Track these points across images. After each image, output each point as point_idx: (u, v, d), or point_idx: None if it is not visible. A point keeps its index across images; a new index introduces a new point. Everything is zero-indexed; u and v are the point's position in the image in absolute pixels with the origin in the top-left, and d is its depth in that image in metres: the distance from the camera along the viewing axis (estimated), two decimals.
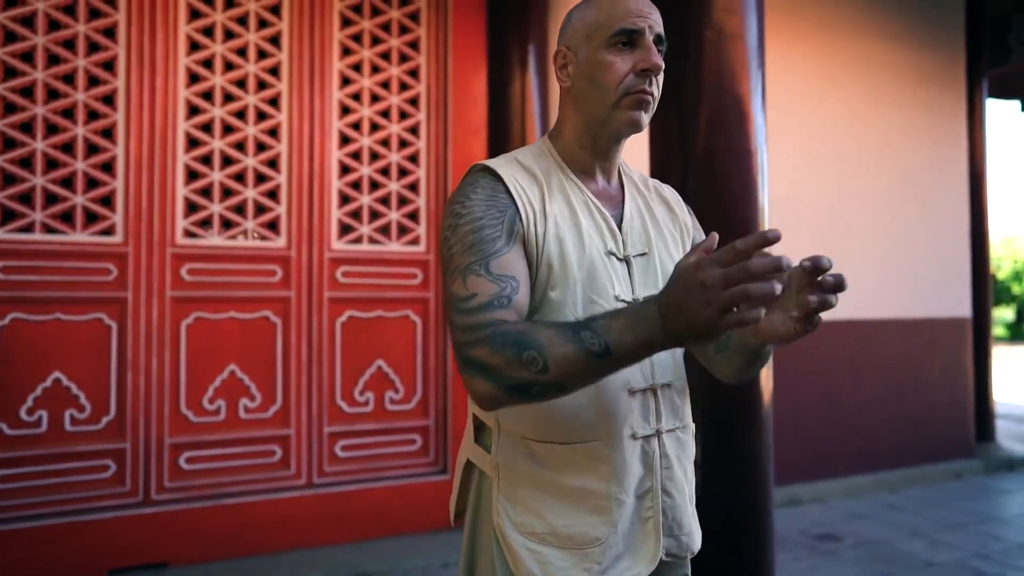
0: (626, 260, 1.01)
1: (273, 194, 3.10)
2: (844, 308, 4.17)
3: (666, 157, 2.07)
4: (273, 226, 3.10)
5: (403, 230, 3.34)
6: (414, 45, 3.37)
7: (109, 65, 2.83)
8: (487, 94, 3.44)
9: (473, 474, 1.05)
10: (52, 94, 2.74)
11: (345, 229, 3.24)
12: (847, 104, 4.33)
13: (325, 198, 3.16)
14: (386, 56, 3.31)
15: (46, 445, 2.69)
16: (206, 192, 2.98)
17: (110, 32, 2.83)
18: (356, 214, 3.25)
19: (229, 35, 3.03)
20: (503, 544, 0.96)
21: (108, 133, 2.82)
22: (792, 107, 4.08)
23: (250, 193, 3.04)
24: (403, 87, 3.34)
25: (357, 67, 3.25)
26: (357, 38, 3.25)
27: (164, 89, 2.89)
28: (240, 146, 3.04)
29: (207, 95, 2.98)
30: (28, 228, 2.70)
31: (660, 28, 0.99)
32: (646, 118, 0.99)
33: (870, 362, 4.32)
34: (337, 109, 3.20)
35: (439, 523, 3.16)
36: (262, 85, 3.08)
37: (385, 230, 3.30)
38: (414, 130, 3.36)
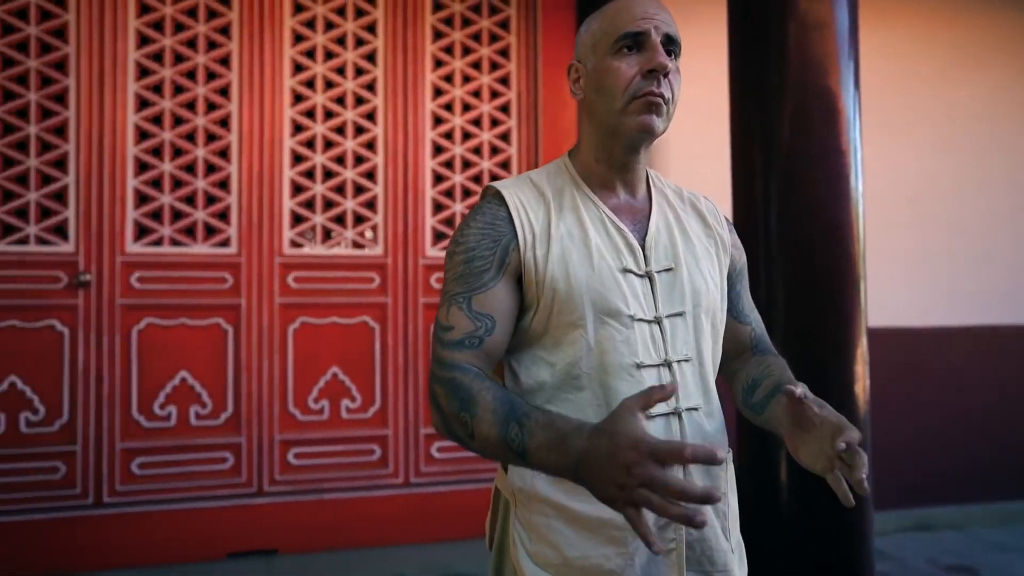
0: (648, 276, 0.97)
1: (371, 204, 3.24)
2: (978, 313, 3.74)
3: (747, 159, 1.95)
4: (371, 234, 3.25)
5: None
6: (504, 52, 3.40)
7: (224, 91, 3.08)
8: None
9: (500, 500, 1.05)
10: (178, 120, 3.03)
11: (439, 236, 3.33)
12: (982, 86, 3.87)
13: (419, 207, 3.26)
14: (477, 65, 3.36)
15: (175, 437, 2.98)
16: (309, 204, 3.17)
17: (224, 61, 3.08)
18: (449, 221, 3.33)
19: (329, 55, 3.20)
20: (510, 572, 0.95)
21: (224, 153, 3.08)
22: (921, 96, 3.70)
23: (349, 204, 3.20)
24: (494, 95, 3.38)
25: (449, 78, 3.33)
26: (448, 50, 3.33)
27: (271, 110, 3.10)
28: (340, 160, 3.20)
29: (310, 113, 3.18)
30: (158, 242, 3.01)
31: (670, 28, 0.94)
32: (659, 121, 0.94)
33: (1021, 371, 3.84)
34: (430, 120, 3.29)
35: None
36: (360, 100, 3.23)
37: None
38: (505, 136, 3.39)
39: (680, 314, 0.97)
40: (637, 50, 0.93)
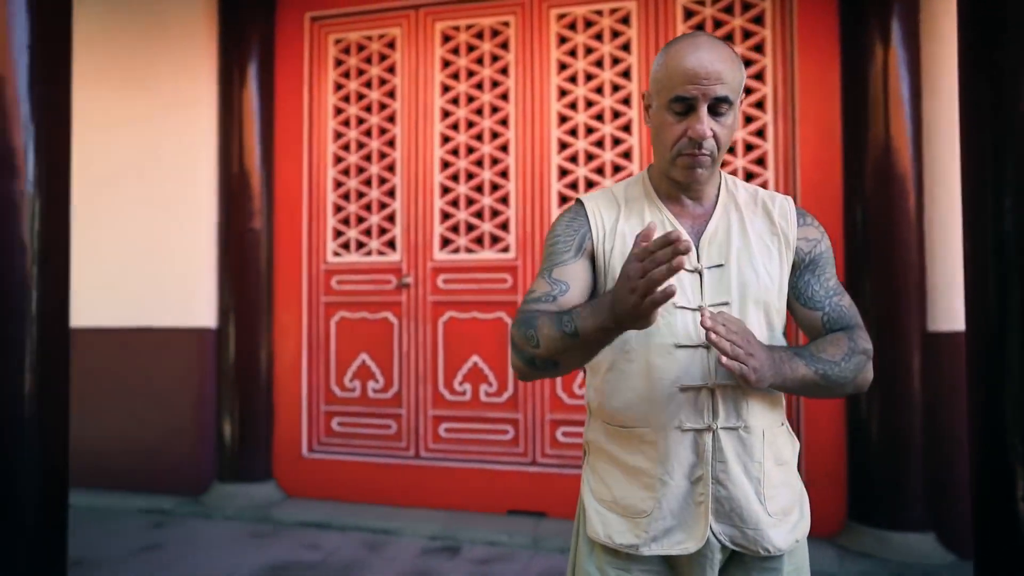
0: (698, 272, 1.13)
1: None
2: None
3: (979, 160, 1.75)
4: None
5: None
6: (759, 48, 3.36)
7: (504, 122, 3.66)
8: (840, 86, 3.21)
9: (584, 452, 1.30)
10: (470, 150, 3.71)
11: None
12: None
13: None
14: None
15: (470, 409, 3.66)
16: None
17: (504, 96, 3.66)
18: None
19: (588, 78, 3.56)
20: (582, 507, 1.19)
21: (504, 174, 3.67)
22: None
23: None
24: (747, 92, 3.37)
25: None
26: None
27: (540, 131, 3.59)
28: (600, 171, 3.55)
29: (573, 132, 3.58)
30: (456, 250, 3.72)
31: (721, 91, 1.07)
32: (702, 171, 1.12)
33: None
34: None
35: None
36: (617, 115, 3.53)
37: None
38: (760, 133, 3.36)
39: (725, 303, 1.12)
40: (685, 114, 1.09)
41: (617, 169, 3.53)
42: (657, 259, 0.88)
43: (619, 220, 1.19)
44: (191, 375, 3.90)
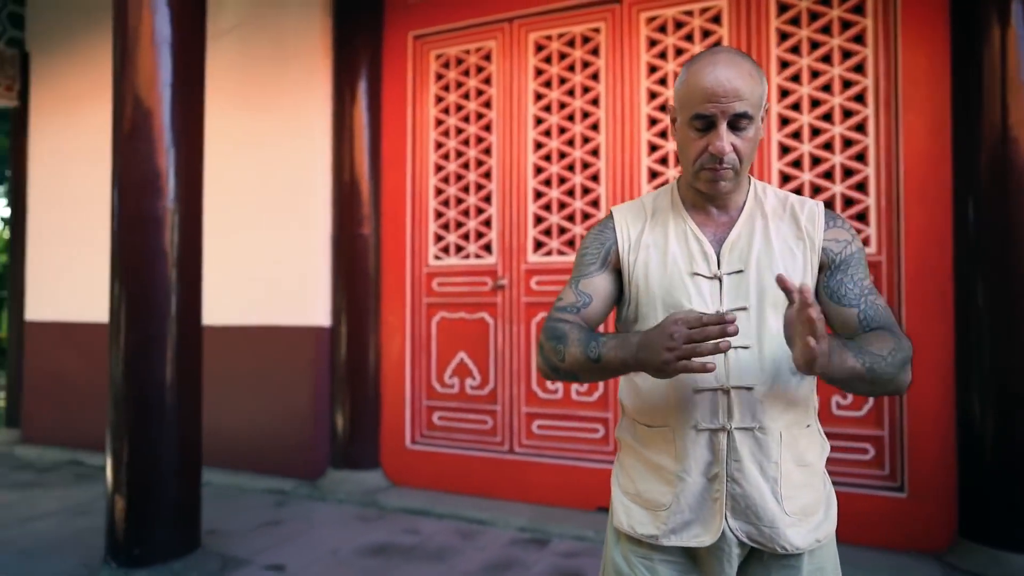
0: (717, 278, 1.17)
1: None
2: None
3: None
4: None
5: None
6: (859, 39, 3.21)
7: (595, 127, 3.73)
8: (950, 71, 3.01)
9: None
10: (561, 156, 3.81)
11: None
12: None
13: None
14: (827, 59, 3.27)
15: (561, 407, 3.76)
16: None
17: (595, 101, 3.73)
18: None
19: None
20: (612, 498, 1.26)
21: (595, 178, 3.74)
22: None
23: None
24: (846, 84, 3.24)
25: (796, 77, 3.32)
26: (795, 49, 3.32)
27: (631, 135, 3.62)
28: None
29: (663, 135, 3.59)
30: (548, 253, 3.83)
31: (740, 107, 1.11)
32: (725, 184, 1.17)
33: None
34: (776, 117, 3.35)
35: (885, 540, 3.00)
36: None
37: None
38: (860, 127, 3.22)
39: (743, 308, 1.16)
40: (706, 130, 1.14)
41: None
42: (707, 333, 0.95)
43: (644, 231, 1.25)
44: (309, 370, 4.28)
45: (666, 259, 1.21)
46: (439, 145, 4.16)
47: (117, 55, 2.87)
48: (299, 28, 4.39)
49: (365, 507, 3.86)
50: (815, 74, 3.30)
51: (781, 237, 1.20)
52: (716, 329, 0.96)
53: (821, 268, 1.21)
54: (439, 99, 4.17)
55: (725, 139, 1.11)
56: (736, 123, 1.12)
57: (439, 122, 4.17)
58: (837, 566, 1.21)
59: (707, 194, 1.21)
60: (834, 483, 1.27)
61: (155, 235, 2.84)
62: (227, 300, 4.48)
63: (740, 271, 1.18)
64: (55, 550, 3.21)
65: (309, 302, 4.30)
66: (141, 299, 2.81)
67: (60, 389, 5.27)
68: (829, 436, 3.20)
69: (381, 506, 3.85)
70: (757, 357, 1.15)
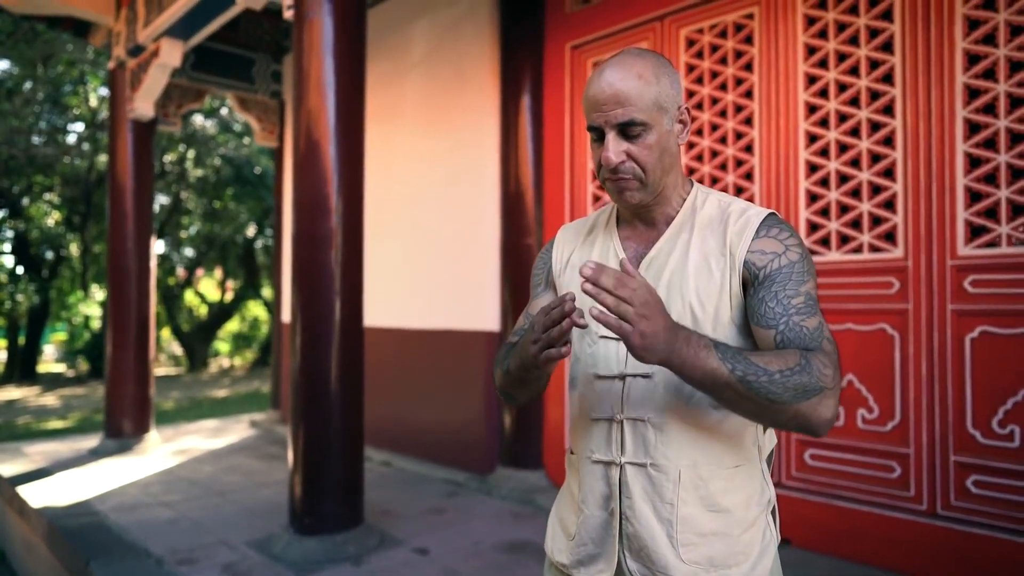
0: None
1: (890, 204, 3.02)
2: None
3: None
4: (891, 236, 3.02)
5: None
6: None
7: (748, 121, 3.47)
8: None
9: None
10: (713, 155, 3.61)
11: (975, 232, 2.80)
12: None
13: (949, 199, 2.84)
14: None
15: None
16: (824, 212, 3.21)
17: (749, 94, 3.47)
18: (991, 212, 2.76)
19: (842, 58, 3.16)
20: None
21: (749, 176, 3.47)
22: None
23: (864, 207, 3.07)
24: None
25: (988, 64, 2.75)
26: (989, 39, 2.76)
27: (786, 128, 3.30)
28: (855, 162, 3.11)
29: (823, 122, 3.21)
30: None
31: (624, 115, 1.03)
32: (631, 194, 1.08)
33: None
34: (963, 97, 2.81)
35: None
36: (875, 95, 3.05)
37: None
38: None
39: None
40: (600, 140, 1.08)
41: (876, 158, 3.05)
42: (552, 317, 0.94)
43: (576, 250, 1.22)
44: (481, 371, 4.58)
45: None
46: None
47: (295, 97, 3.41)
48: (472, 53, 4.74)
49: (522, 505, 4.03)
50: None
51: (703, 253, 1.08)
52: (557, 312, 0.93)
53: (746, 285, 1.06)
54: None
55: (611, 149, 1.04)
56: (627, 131, 1.04)
57: None
58: None
59: (632, 208, 1.13)
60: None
61: (324, 251, 3.31)
62: (418, 304, 5.00)
63: None
64: (268, 513, 3.90)
65: (481, 308, 4.61)
66: (311, 304, 3.31)
67: None
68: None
69: (537, 505, 3.98)
70: (654, 386, 1.06)
